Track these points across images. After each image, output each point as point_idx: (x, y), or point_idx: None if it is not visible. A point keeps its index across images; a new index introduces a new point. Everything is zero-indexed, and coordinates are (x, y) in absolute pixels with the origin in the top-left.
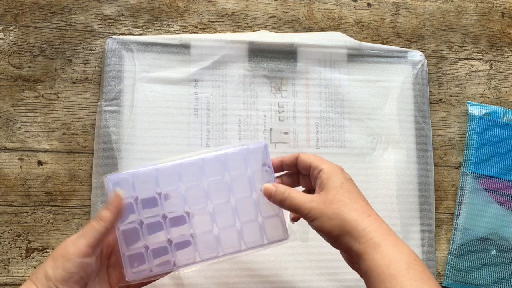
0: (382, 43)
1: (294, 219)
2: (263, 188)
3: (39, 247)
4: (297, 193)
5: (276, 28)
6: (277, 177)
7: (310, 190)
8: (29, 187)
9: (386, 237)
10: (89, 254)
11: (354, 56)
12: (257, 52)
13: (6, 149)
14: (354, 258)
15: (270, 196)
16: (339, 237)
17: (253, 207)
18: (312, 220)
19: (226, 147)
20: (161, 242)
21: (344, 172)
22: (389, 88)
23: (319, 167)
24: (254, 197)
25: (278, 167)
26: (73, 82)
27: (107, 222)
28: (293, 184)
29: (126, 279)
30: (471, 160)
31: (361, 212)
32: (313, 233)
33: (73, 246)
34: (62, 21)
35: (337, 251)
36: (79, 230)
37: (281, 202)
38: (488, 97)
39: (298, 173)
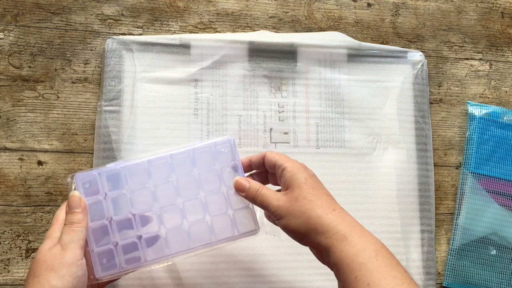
0: (382, 43)
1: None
2: (234, 183)
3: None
4: (267, 191)
5: (276, 28)
6: (247, 176)
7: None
8: (29, 187)
9: (352, 229)
10: (82, 255)
11: (354, 56)
12: (257, 52)
13: (6, 149)
14: (323, 253)
15: (243, 191)
16: (306, 235)
17: (222, 201)
18: (278, 218)
19: (193, 143)
20: (130, 238)
21: (307, 169)
22: (389, 88)
23: (282, 166)
24: (224, 191)
25: (247, 167)
26: (73, 82)
27: (83, 223)
28: (262, 182)
29: (97, 277)
30: (471, 160)
31: (325, 207)
32: None
33: (69, 252)
34: (62, 21)
35: None
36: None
37: (253, 199)
38: (488, 97)
39: (267, 172)
